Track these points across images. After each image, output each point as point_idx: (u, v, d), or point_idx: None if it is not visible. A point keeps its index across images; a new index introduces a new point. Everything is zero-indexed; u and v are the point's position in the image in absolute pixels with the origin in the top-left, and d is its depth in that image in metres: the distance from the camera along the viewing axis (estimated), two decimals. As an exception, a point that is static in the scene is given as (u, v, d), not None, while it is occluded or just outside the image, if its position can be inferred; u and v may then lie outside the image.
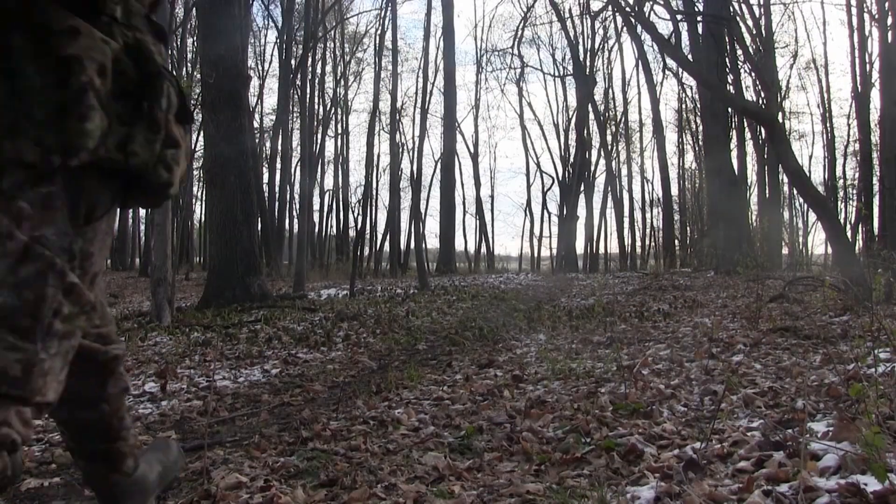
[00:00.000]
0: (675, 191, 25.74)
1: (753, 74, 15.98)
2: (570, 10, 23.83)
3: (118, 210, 1.20)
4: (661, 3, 10.69)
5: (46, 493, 2.10)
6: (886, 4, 11.67)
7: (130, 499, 1.52)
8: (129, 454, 1.54)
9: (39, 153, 0.96)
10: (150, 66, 1.10)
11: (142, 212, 29.39)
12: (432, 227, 29.52)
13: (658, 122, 21.85)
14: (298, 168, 23.90)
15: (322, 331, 5.97)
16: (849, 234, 14.70)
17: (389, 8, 21.29)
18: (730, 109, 13.48)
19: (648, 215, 30.02)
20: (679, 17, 12.89)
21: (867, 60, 16.32)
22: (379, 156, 28.38)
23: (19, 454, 0.97)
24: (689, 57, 12.07)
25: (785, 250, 18.62)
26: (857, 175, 18.89)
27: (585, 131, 24.61)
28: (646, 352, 3.87)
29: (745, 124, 17.14)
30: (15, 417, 0.95)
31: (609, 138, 25.50)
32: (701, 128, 17.97)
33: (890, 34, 11.42)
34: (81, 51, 0.99)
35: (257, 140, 24.44)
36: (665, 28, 17.32)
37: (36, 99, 0.97)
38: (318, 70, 24.86)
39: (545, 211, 29.07)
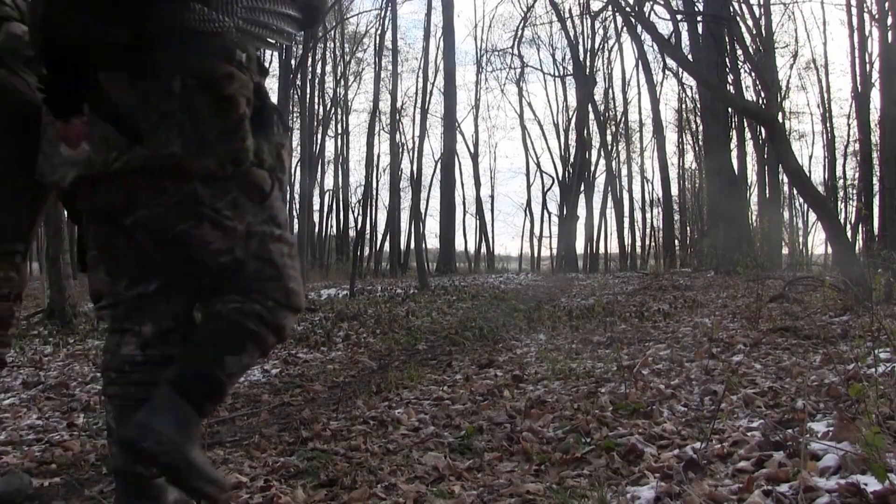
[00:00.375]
0: (675, 191, 25.74)
1: (753, 74, 15.98)
2: (570, 10, 23.82)
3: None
4: (661, 3, 10.69)
5: (46, 493, 2.10)
6: (886, 4, 11.67)
7: (145, 498, 1.50)
8: None
9: (217, 164, 1.37)
10: (266, 101, 1.50)
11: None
12: (432, 227, 29.47)
13: (658, 122, 21.86)
14: (298, 168, 23.90)
15: (322, 331, 5.97)
16: (849, 234, 14.70)
17: (389, 8, 21.28)
18: (730, 109, 13.48)
19: (648, 215, 30.02)
20: (679, 17, 12.89)
21: (867, 60, 16.33)
22: (379, 156, 28.38)
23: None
24: (689, 57, 12.06)
25: (785, 250, 18.62)
26: (857, 175, 18.90)
27: (585, 131, 24.61)
28: (646, 352, 3.87)
29: (745, 124, 17.14)
30: (292, 322, 1.54)
31: (609, 138, 25.50)
32: (701, 128, 17.97)
33: (890, 34, 11.42)
34: (236, 91, 1.39)
35: (257, 140, 24.36)
36: (665, 28, 17.31)
37: (206, 125, 1.35)
38: (318, 70, 24.88)
39: (545, 211, 29.07)
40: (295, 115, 24.92)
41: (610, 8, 17.53)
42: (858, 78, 16.21)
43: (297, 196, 24.73)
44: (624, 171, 27.90)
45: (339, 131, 29.10)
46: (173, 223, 1.41)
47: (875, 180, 14.51)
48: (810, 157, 26.95)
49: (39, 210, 1.82)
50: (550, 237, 28.78)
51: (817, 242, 24.16)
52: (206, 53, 1.39)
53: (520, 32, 22.01)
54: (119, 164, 1.34)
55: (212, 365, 1.40)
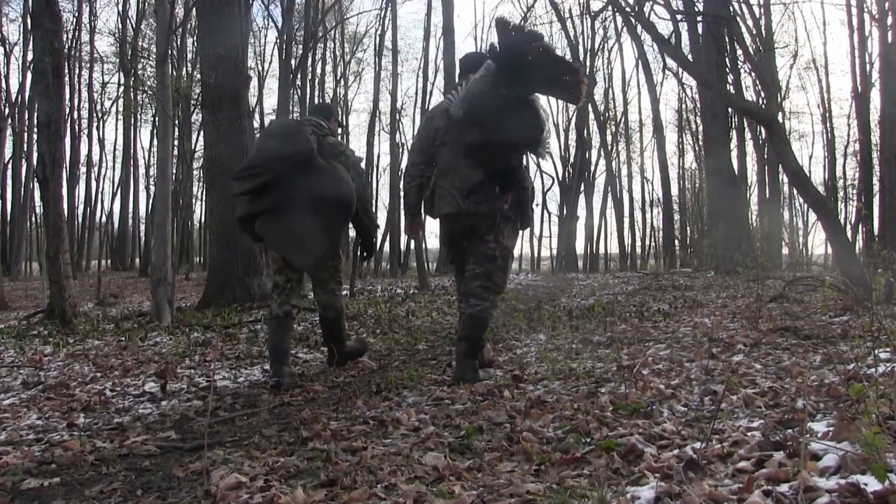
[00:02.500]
0: (675, 191, 25.78)
1: (753, 74, 15.98)
2: (570, 10, 23.83)
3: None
4: (661, 3, 10.68)
5: (46, 492, 2.10)
6: (886, 4, 11.67)
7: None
8: None
9: (514, 213, 3.51)
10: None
11: (141, 211, 29.48)
12: (432, 227, 29.52)
13: (658, 122, 21.86)
14: (298, 168, 23.81)
15: (322, 331, 5.96)
16: (849, 234, 14.69)
17: (389, 8, 21.28)
18: (730, 109, 13.47)
19: (648, 215, 30.09)
20: (679, 17, 12.89)
21: (867, 60, 16.34)
22: (379, 156, 28.46)
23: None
24: (689, 57, 12.06)
25: (785, 250, 18.61)
26: (857, 175, 18.89)
27: (585, 131, 24.61)
28: (646, 352, 3.87)
29: (745, 124, 17.14)
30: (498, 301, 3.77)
31: (609, 138, 25.50)
32: (701, 128, 17.97)
33: (890, 34, 11.42)
34: (529, 184, 3.59)
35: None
36: (665, 28, 17.32)
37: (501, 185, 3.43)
38: (318, 70, 24.90)
39: (545, 211, 29.07)
40: (295, 115, 24.94)
41: (610, 8, 17.51)
42: (858, 78, 16.22)
43: (297, 196, 24.70)
44: (624, 171, 27.97)
45: (339, 131, 29.08)
46: (484, 236, 3.43)
47: (875, 180, 14.50)
48: (810, 157, 27.04)
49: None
50: (550, 237, 28.77)
51: (817, 242, 24.17)
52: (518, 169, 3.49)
53: (520, 32, 21.95)
54: (473, 210, 3.38)
55: (484, 299, 3.45)
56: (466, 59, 3.72)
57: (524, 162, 3.62)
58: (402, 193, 3.72)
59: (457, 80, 3.69)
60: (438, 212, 3.49)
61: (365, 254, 4.23)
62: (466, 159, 3.35)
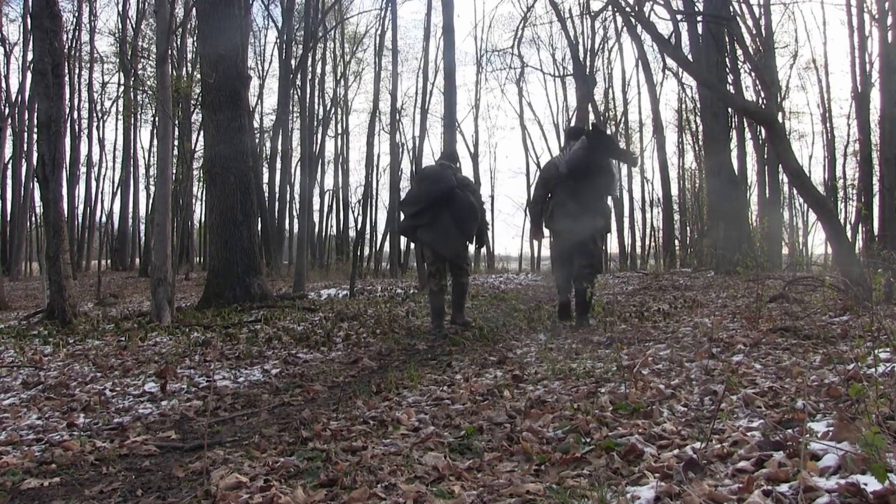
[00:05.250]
0: (675, 191, 25.71)
1: (753, 74, 15.97)
2: (570, 10, 23.81)
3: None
4: (661, 3, 10.67)
5: (46, 492, 2.10)
6: (886, 4, 11.67)
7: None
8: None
9: (606, 230, 5.99)
10: None
11: (141, 211, 29.47)
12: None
13: (658, 122, 21.83)
14: (298, 168, 23.88)
15: (322, 331, 5.97)
16: (849, 234, 14.68)
17: (389, 8, 21.27)
18: (730, 109, 13.46)
19: (648, 215, 30.02)
20: (679, 17, 12.87)
21: (867, 60, 16.33)
22: (379, 156, 28.44)
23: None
24: (689, 57, 12.05)
25: (785, 250, 18.59)
26: (857, 175, 18.87)
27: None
28: (646, 352, 3.87)
29: (745, 124, 17.13)
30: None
31: (609, 138, 25.37)
32: (701, 128, 17.95)
33: (890, 34, 11.42)
34: (608, 219, 5.95)
35: (257, 140, 24.41)
36: (665, 28, 17.33)
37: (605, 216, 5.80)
38: (318, 70, 24.87)
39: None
40: (295, 115, 24.93)
41: (610, 8, 17.52)
42: (858, 78, 16.21)
43: (297, 196, 24.75)
44: (624, 171, 27.89)
45: (339, 131, 29.12)
46: (586, 241, 5.46)
47: (875, 180, 14.50)
48: (810, 157, 26.99)
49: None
50: (552, 237, 28.62)
51: (817, 242, 24.14)
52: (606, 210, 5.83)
53: (520, 32, 21.93)
54: (579, 229, 5.44)
55: (590, 280, 5.55)
56: (571, 130, 6.01)
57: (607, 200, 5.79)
58: (528, 213, 6.11)
59: (562, 143, 6.03)
60: (556, 227, 5.63)
61: (478, 245, 6.38)
62: (572, 198, 5.43)
